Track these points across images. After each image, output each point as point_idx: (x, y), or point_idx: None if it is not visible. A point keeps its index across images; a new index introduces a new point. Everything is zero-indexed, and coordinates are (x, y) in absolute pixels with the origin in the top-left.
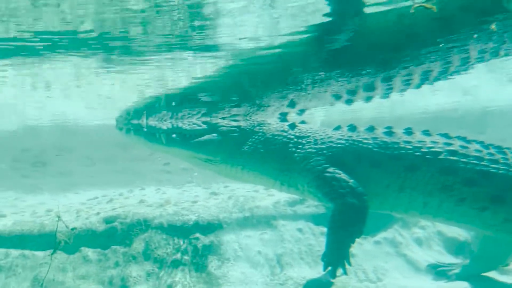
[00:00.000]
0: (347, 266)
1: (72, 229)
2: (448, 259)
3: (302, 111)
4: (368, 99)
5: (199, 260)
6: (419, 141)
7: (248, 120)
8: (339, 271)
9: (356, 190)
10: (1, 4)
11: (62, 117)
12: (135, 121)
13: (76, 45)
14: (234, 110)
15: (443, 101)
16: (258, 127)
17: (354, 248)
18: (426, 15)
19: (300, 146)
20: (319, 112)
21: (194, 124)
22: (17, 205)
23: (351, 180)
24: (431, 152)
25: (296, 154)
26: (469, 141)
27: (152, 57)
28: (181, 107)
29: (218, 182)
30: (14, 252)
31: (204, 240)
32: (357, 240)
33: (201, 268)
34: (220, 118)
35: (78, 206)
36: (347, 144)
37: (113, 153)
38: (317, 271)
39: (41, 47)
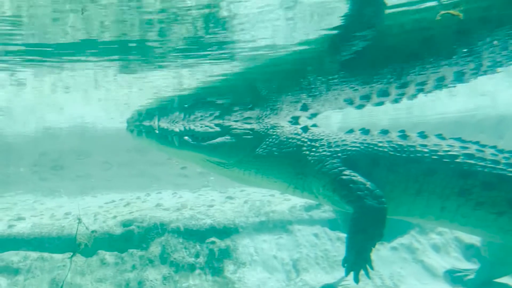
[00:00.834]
0: (369, 270)
1: (92, 231)
2: (465, 265)
3: (314, 115)
4: (380, 104)
5: (215, 264)
6: (435, 145)
7: (261, 122)
8: (361, 274)
9: (374, 193)
10: (22, 11)
11: (80, 121)
12: (146, 123)
13: (95, 50)
14: (247, 113)
15: (461, 106)
16: (271, 130)
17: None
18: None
19: (314, 149)
20: (336, 116)
21: (207, 126)
22: (36, 208)
23: (369, 183)
24: (449, 156)
25: (310, 157)
26: (483, 145)
27: (169, 63)
28: (193, 109)
29: (235, 187)
30: (33, 255)
31: (220, 244)
32: (373, 249)
33: (217, 272)
34: (233, 121)
35: (95, 209)
36: (362, 147)
37: (131, 157)
38: (333, 277)
39: (61, 53)
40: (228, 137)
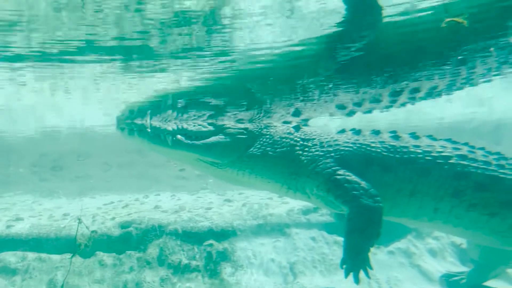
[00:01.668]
0: (368, 270)
1: (93, 231)
2: (461, 270)
3: (305, 121)
4: (370, 111)
5: (212, 267)
6: (428, 145)
7: (255, 122)
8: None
9: (369, 192)
10: (23, 11)
11: (80, 122)
12: (138, 121)
13: (95, 52)
14: (241, 115)
15: (459, 112)
16: (265, 129)
17: None
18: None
19: (307, 148)
20: (336, 120)
21: (200, 125)
22: (35, 208)
23: (363, 182)
24: (442, 157)
25: (303, 157)
26: (473, 146)
27: (169, 65)
28: (187, 108)
29: (233, 189)
30: (31, 255)
31: (218, 246)
32: (371, 249)
33: (214, 275)
34: (226, 120)
35: (94, 210)
36: (355, 147)
37: (130, 159)
38: (330, 280)
39: (61, 54)
40: (222, 137)
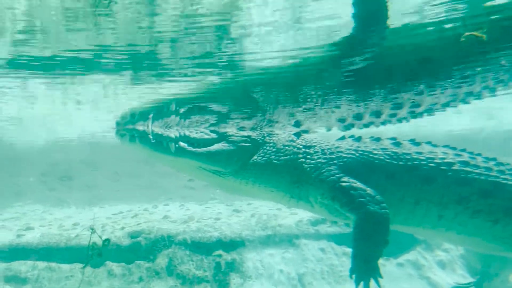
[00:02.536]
0: (378, 279)
1: (106, 241)
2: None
3: (305, 132)
4: (369, 125)
5: (221, 277)
6: (430, 152)
7: (258, 130)
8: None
9: (376, 198)
10: (36, 23)
11: (89, 132)
12: (140, 127)
13: (106, 63)
14: (243, 123)
15: (467, 123)
16: (268, 137)
17: None
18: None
19: (309, 156)
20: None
21: (202, 132)
22: (45, 218)
23: (369, 189)
24: (445, 163)
25: (306, 165)
26: (472, 153)
27: (179, 75)
28: (189, 115)
29: (241, 200)
30: (41, 264)
31: (226, 257)
32: (380, 261)
33: (223, 285)
34: (229, 128)
35: (103, 220)
36: (357, 154)
37: (139, 169)
38: None
39: (72, 63)
40: (226, 144)
